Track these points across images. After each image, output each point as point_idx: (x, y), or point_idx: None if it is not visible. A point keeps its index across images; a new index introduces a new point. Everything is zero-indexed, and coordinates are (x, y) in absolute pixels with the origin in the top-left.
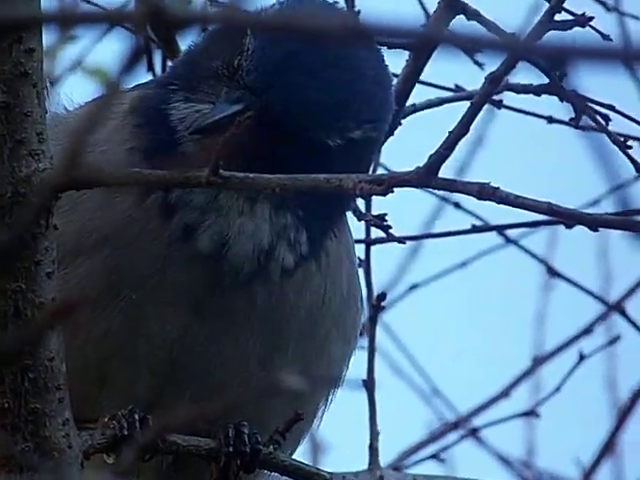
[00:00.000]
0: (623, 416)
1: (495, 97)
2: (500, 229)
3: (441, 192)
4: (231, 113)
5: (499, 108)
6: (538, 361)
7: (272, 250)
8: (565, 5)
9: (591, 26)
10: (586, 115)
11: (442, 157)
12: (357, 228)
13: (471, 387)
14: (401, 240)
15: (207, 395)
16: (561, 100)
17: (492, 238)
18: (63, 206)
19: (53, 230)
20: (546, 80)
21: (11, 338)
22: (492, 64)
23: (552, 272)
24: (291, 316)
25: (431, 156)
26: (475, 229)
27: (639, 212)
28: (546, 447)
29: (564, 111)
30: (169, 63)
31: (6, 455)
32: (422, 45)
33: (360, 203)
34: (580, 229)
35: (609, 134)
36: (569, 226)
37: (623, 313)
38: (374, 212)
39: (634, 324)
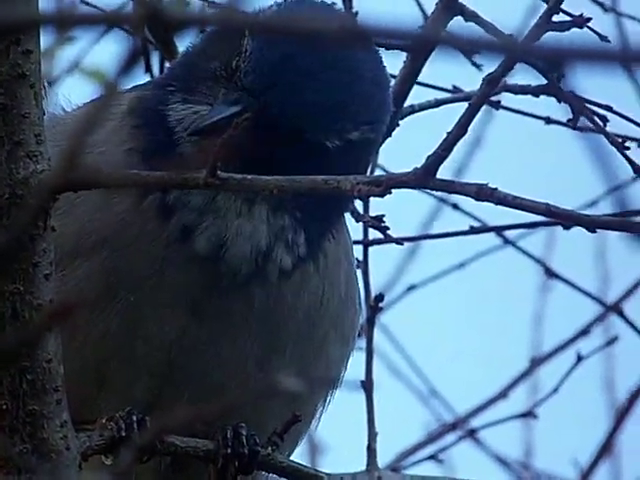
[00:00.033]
0: (621, 417)
1: (493, 98)
2: (498, 230)
3: (439, 193)
4: (229, 115)
5: (497, 109)
6: (536, 362)
7: (270, 252)
8: (563, 6)
9: (589, 27)
10: (584, 116)
11: (440, 158)
12: (355, 229)
13: (469, 388)
14: (399, 241)
15: (205, 396)
16: (559, 101)
17: (490, 239)
18: (61, 207)
19: (51, 232)
20: (544, 81)
21: (9, 340)
22: (490, 65)
23: (550, 273)
24: (289, 317)
25: (429, 157)
26: (473, 230)
27: (637, 213)
28: (544, 448)
29: (562, 112)
30: (167, 64)
31: (4, 457)
32: (420, 46)
33: (358, 204)
34: (578, 230)
35: (607, 135)
36: (567, 227)
37: (621, 314)
38: (372, 213)
39: (632, 325)
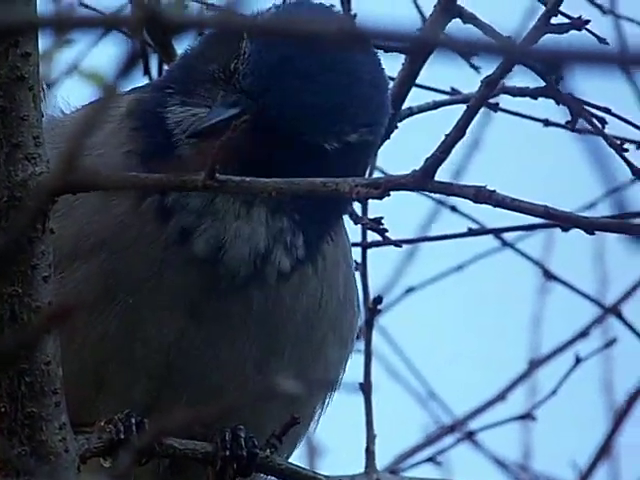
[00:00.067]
0: (619, 419)
1: (491, 100)
2: (496, 232)
3: (437, 195)
4: (227, 117)
5: (495, 111)
6: (534, 364)
7: (268, 254)
8: (561, 8)
9: (587, 29)
10: (582, 118)
11: (438, 160)
12: (353, 231)
13: (467, 390)
14: (397, 243)
15: (203, 399)
16: (557, 103)
17: (488, 241)
18: (59, 210)
19: (49, 234)
20: (542, 83)
21: (7, 342)
22: (488, 67)
23: (548, 275)
24: (287, 320)
25: (427, 159)
26: (471, 232)
27: (635, 215)
28: (542, 450)
29: (560, 114)
30: (165, 67)
31: (3, 459)
32: (418, 48)
33: (356, 206)
34: (576, 232)
35: (605, 137)
36: (565, 229)
37: (619, 316)
38: (370, 215)
39: (630, 327)
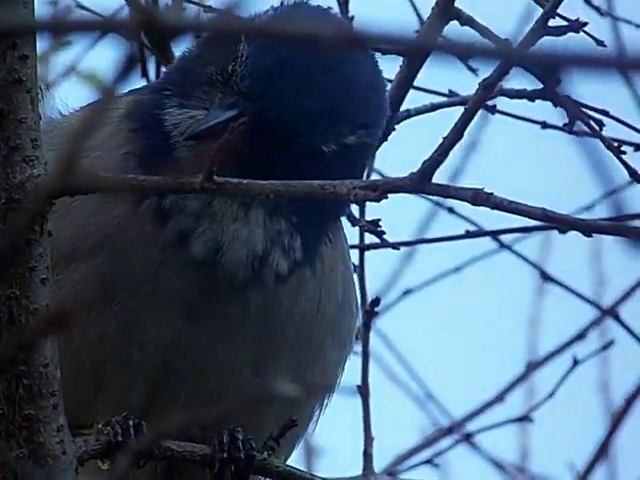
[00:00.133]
0: (617, 421)
1: (489, 102)
2: (494, 234)
3: (435, 197)
4: (225, 119)
5: (493, 113)
6: (532, 366)
7: (266, 256)
8: (559, 10)
9: (585, 31)
10: (580, 120)
11: (436, 162)
12: (351, 233)
13: (465, 392)
14: (395, 245)
15: (201, 401)
16: (555, 105)
17: (486, 243)
18: (57, 211)
19: (47, 236)
20: (540, 85)
21: (5, 344)
22: (486, 70)
23: (546, 277)
24: (285, 322)
25: (425, 161)
26: (469, 234)
27: (633, 217)
28: (540, 452)
29: (558, 116)
30: (163, 69)
31: (0, 461)
32: (416, 51)
33: (354, 209)
34: (574, 234)
35: (603, 139)
36: (563, 231)
37: (617, 318)
38: (368, 217)
39: (628, 329)
